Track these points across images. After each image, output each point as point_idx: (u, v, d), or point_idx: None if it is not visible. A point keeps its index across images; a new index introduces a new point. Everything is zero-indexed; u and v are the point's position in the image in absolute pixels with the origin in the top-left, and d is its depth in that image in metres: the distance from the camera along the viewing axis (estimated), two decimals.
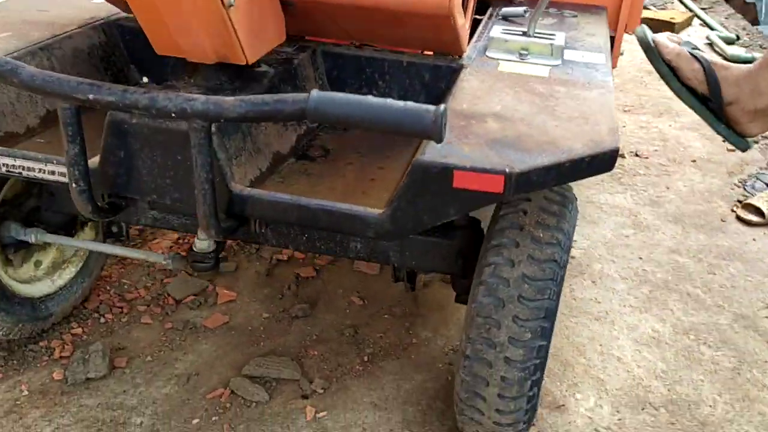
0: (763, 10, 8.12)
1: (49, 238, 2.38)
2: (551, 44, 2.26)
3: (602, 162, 1.65)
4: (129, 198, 1.91)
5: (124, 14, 2.46)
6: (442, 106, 1.38)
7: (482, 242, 2.03)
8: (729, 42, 6.94)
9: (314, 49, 2.30)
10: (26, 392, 2.43)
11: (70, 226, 2.62)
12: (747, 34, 7.43)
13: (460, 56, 2.26)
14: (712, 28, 7.31)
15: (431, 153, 1.59)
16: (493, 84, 2.03)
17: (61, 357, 2.59)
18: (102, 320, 2.80)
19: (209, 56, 1.86)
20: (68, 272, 2.74)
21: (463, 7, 2.14)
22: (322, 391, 2.50)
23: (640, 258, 3.41)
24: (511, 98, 1.93)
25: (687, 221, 3.76)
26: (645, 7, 8.21)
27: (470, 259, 2.15)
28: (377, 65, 2.29)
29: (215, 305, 2.93)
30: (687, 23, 7.61)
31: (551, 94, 1.97)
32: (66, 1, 2.66)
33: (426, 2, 1.93)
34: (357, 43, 2.36)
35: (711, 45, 6.93)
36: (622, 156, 4.49)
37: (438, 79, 2.26)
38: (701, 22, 7.75)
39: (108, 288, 2.96)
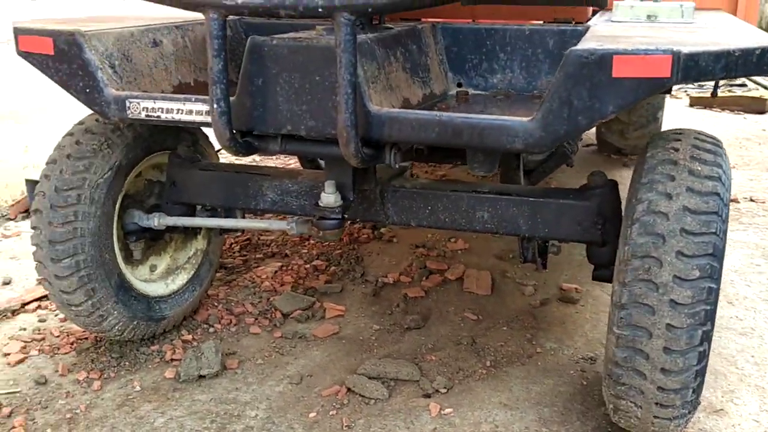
0: None
1: (171, 220, 2.38)
2: (681, 6, 2.20)
3: None
4: (262, 138, 1.88)
5: (248, 18, 2.56)
6: None
7: (621, 205, 1.89)
8: None
9: (433, 24, 2.32)
10: (138, 388, 2.33)
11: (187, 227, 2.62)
12: None
13: (584, 23, 2.22)
14: None
15: (586, 43, 1.52)
16: (628, 28, 1.96)
17: (172, 359, 2.50)
18: (211, 330, 2.72)
19: None
20: (181, 278, 2.71)
21: None
22: (445, 390, 2.30)
23: None
24: (652, 32, 1.85)
25: None
26: (730, 90, 8.15)
27: (610, 224, 2.00)
28: (498, 36, 2.27)
29: (323, 319, 2.81)
30: None
31: (694, 32, 1.88)
32: None
33: None
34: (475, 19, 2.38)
35: None
36: (736, 201, 4.25)
37: (563, 46, 2.22)
38: None
39: (216, 304, 2.90)
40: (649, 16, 2.23)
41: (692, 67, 1.46)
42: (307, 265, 3.29)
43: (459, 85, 2.46)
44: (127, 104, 1.89)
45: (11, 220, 4.01)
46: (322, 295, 3.01)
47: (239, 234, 3.63)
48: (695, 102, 7.36)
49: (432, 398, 2.27)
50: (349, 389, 2.30)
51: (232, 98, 1.80)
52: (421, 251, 3.47)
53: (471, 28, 2.34)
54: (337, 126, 1.65)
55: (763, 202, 4.24)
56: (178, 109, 1.84)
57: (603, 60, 1.47)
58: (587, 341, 2.62)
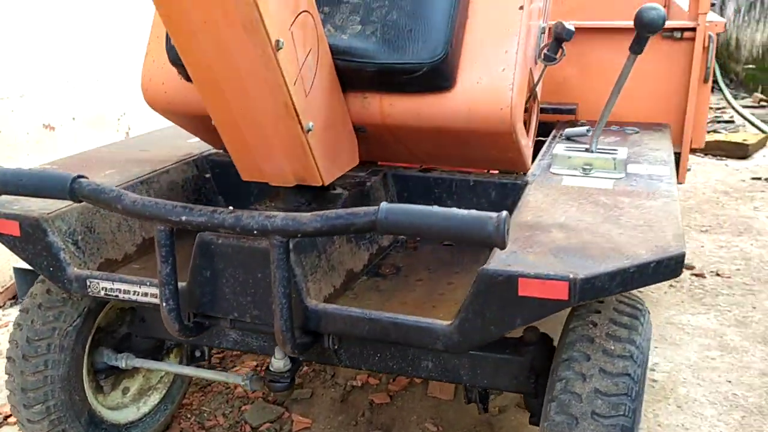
0: None
1: (138, 362, 2.52)
2: (614, 158, 2.34)
3: (668, 268, 1.66)
4: (212, 318, 2.03)
5: (214, 150, 2.72)
6: (503, 213, 1.46)
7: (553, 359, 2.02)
8: None
9: (385, 173, 2.47)
10: None
11: (157, 352, 2.76)
12: None
13: (525, 173, 2.36)
14: None
15: (496, 262, 1.66)
16: (557, 197, 2.11)
17: None
18: None
19: (289, 179, 2.04)
20: (153, 399, 2.85)
21: (525, 127, 2.27)
22: None
23: (729, 381, 3.24)
24: (575, 210, 2.00)
25: None
26: (715, 131, 8.26)
27: (542, 377, 2.13)
28: (445, 185, 2.42)
29: None
30: (761, 144, 7.55)
31: (615, 205, 2.02)
32: (165, 142, 2.97)
33: (488, 119, 2.03)
34: (425, 166, 2.51)
35: None
36: (702, 276, 4.37)
37: (504, 197, 2.36)
38: None
39: (189, 416, 3.05)
40: (584, 168, 2.37)
41: (589, 289, 1.60)
42: None
43: None
44: (88, 283, 2.04)
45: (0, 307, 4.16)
46: (293, 402, 3.14)
47: None
48: None
49: None
50: None
51: (183, 284, 1.95)
52: None
53: (420, 176, 2.48)
54: (275, 328, 1.80)
55: (729, 277, 4.35)
56: (135, 291, 1.99)
57: (509, 281, 1.62)
58: None
